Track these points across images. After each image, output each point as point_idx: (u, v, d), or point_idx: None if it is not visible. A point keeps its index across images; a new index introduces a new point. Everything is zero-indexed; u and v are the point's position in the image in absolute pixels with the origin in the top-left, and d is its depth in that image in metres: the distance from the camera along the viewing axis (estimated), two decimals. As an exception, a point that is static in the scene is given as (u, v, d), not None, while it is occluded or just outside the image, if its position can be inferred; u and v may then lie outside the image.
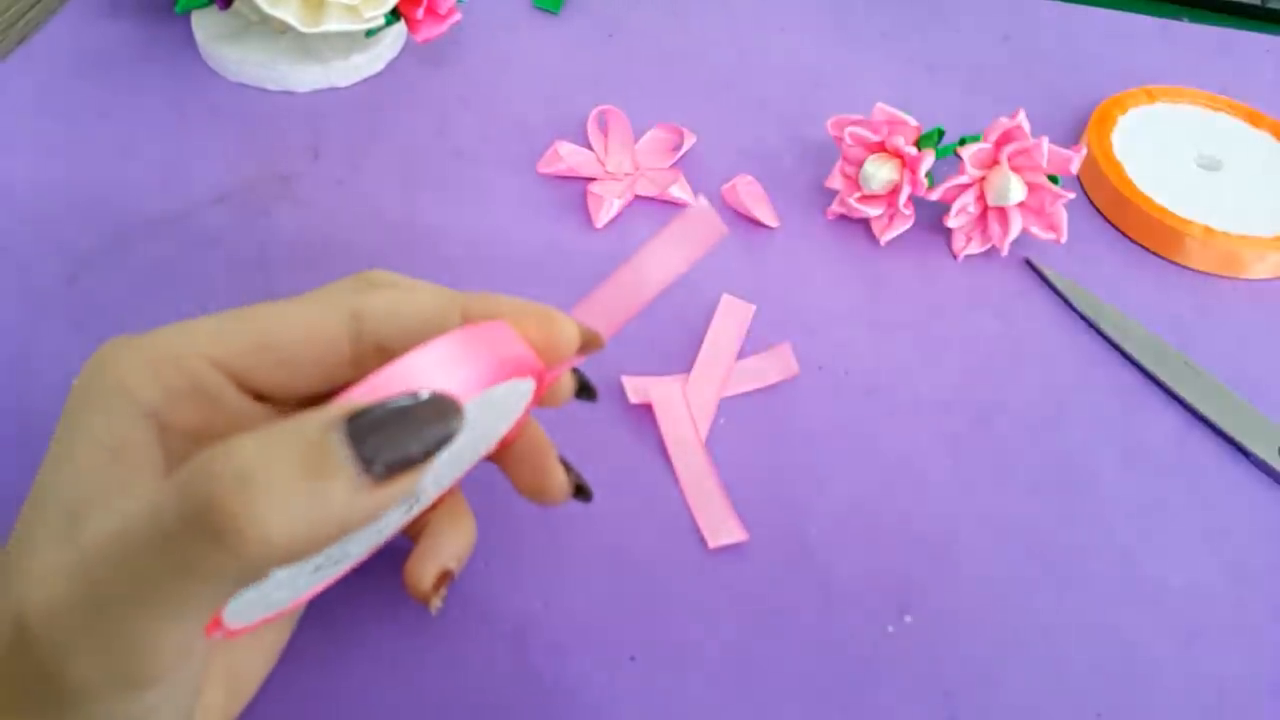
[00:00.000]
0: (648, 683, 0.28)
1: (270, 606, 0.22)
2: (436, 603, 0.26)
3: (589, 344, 0.24)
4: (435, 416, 0.18)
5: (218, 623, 0.20)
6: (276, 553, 0.17)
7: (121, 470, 0.20)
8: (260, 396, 0.22)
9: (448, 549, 0.26)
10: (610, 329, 0.24)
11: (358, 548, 0.23)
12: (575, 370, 0.26)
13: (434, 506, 0.27)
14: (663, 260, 0.25)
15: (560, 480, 0.27)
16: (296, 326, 0.22)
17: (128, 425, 0.21)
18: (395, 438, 0.17)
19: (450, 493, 0.27)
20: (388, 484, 0.18)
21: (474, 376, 0.19)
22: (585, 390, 0.27)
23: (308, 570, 0.21)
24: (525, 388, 0.22)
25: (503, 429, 0.24)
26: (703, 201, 0.25)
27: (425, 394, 0.18)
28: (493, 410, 0.22)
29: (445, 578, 0.26)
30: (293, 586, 0.22)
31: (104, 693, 0.18)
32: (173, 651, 0.18)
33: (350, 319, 0.22)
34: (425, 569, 0.26)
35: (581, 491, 0.27)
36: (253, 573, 0.17)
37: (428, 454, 0.18)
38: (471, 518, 0.27)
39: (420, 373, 0.19)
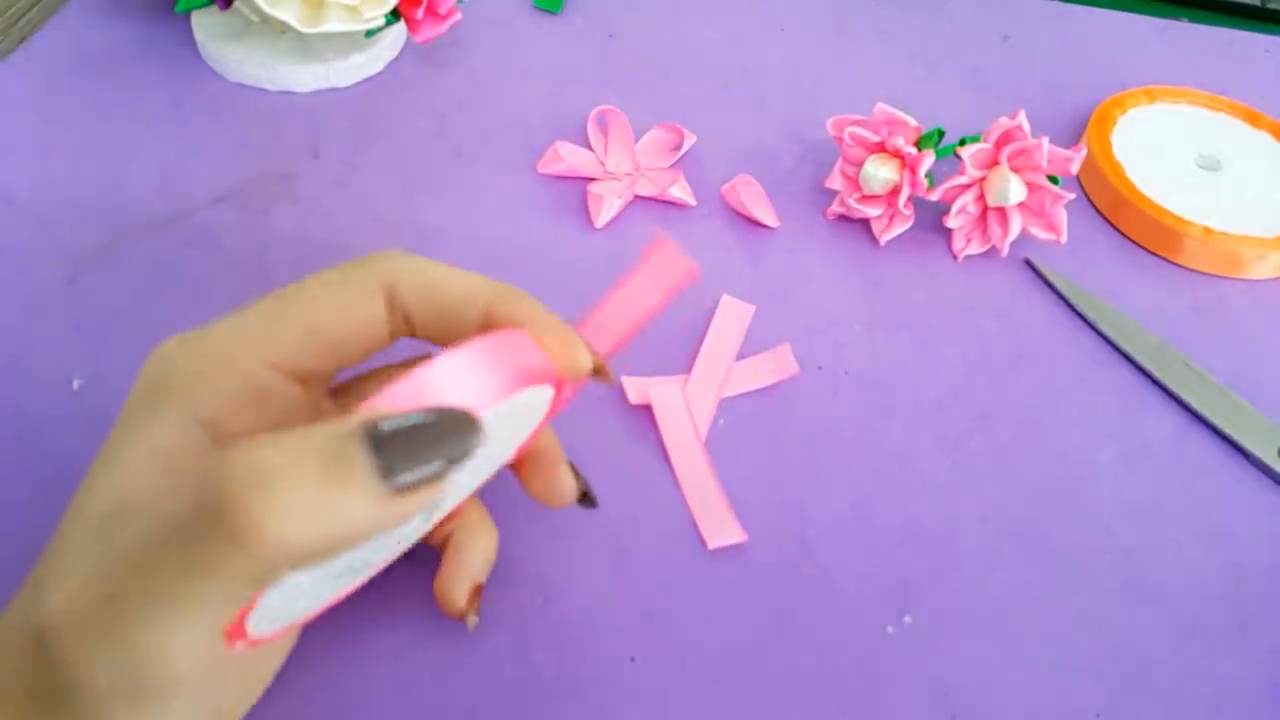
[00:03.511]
0: (648, 683, 0.28)
1: (292, 616, 0.22)
2: (473, 618, 0.27)
3: (600, 371, 0.24)
4: (455, 432, 0.18)
5: (242, 633, 0.20)
6: (292, 555, 0.17)
7: (170, 479, 0.20)
8: (304, 379, 0.23)
9: (475, 562, 0.27)
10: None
11: (378, 556, 0.23)
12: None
13: (452, 516, 0.27)
14: (637, 301, 0.25)
15: (569, 486, 0.27)
16: (336, 310, 0.22)
17: (180, 431, 0.21)
18: (416, 451, 0.18)
19: (471, 504, 0.27)
20: (407, 495, 0.18)
21: (493, 386, 0.20)
22: (586, 498, 0.28)
23: (330, 578, 0.22)
24: (543, 396, 0.22)
25: (522, 437, 0.24)
26: (669, 243, 0.25)
27: (446, 408, 0.18)
28: (511, 418, 0.22)
29: (477, 591, 0.27)
30: (315, 595, 0.22)
31: (119, 701, 0.18)
32: (187, 658, 0.18)
33: (385, 293, 0.22)
34: (457, 587, 0.26)
35: (587, 498, 0.28)
36: (266, 574, 0.17)
37: (447, 468, 0.18)
38: (493, 528, 0.28)
39: (441, 382, 0.19)
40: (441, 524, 0.27)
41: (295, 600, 0.21)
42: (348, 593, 0.24)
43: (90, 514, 0.20)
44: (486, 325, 0.23)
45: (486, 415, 0.19)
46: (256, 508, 0.16)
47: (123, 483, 0.20)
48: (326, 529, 0.17)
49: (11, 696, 0.19)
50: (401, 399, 0.18)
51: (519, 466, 0.27)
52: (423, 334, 0.24)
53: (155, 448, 0.21)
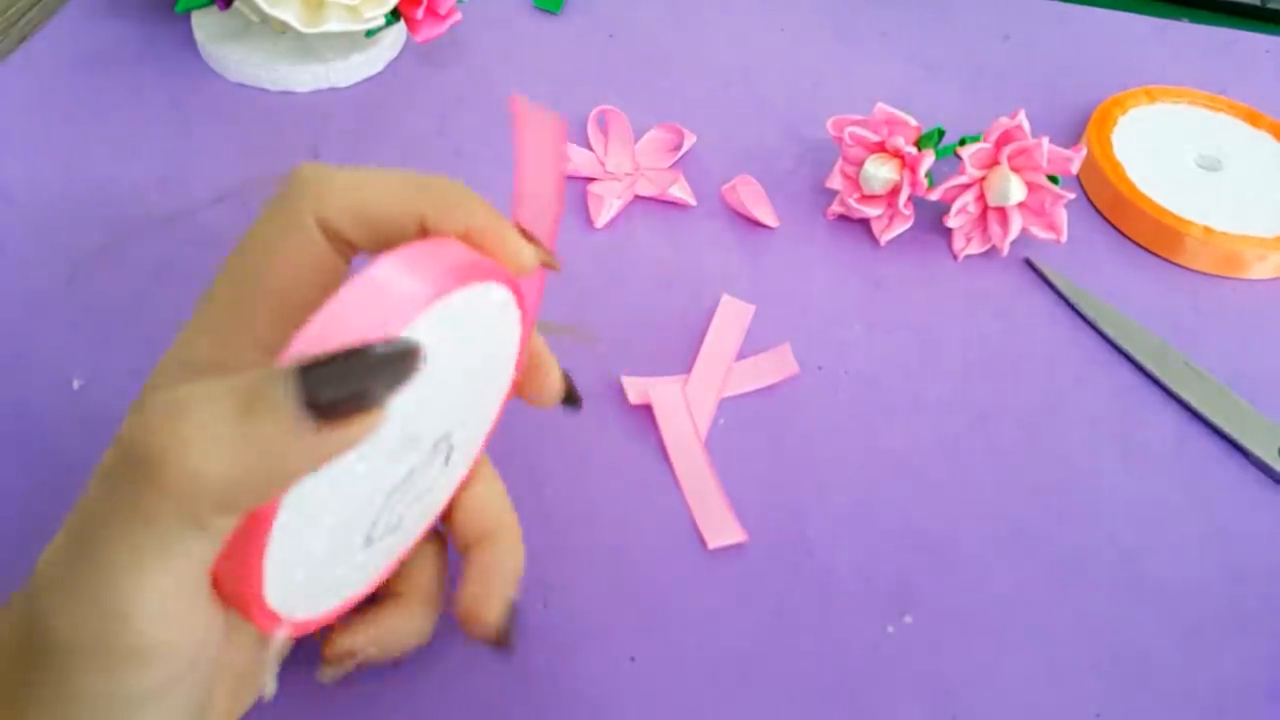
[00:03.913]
0: (648, 683, 0.28)
1: (336, 590, 0.22)
2: (331, 674, 0.24)
3: (546, 264, 0.23)
4: (390, 354, 0.17)
5: (272, 615, 0.19)
6: (213, 490, 0.16)
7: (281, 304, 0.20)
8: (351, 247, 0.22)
9: (378, 636, 0.24)
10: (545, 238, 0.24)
11: (409, 511, 0.22)
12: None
13: (472, 523, 0.26)
14: (541, 166, 0.24)
15: (554, 381, 0.25)
16: (288, 268, 0.22)
17: (320, 253, 0.21)
18: (342, 375, 0.17)
19: (430, 585, 0.26)
20: (336, 425, 0.17)
21: (423, 290, 0.19)
22: (571, 398, 0.26)
23: (357, 544, 0.21)
24: (499, 297, 0.21)
25: (507, 351, 0.23)
26: (520, 99, 0.24)
27: (383, 343, 0.17)
28: (466, 326, 0.21)
29: (352, 655, 0.24)
30: (349, 563, 0.21)
31: (89, 660, 0.18)
32: (150, 618, 0.17)
33: (320, 230, 0.22)
34: (344, 639, 0.24)
35: (571, 399, 0.26)
36: (191, 513, 0.17)
37: (378, 392, 0.17)
38: (429, 622, 0.25)
39: (365, 298, 0.18)
40: (397, 579, 0.25)
41: (324, 572, 0.20)
42: (395, 561, 0.24)
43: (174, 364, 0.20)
44: (423, 236, 0.22)
45: (420, 321, 0.18)
46: (167, 441, 0.16)
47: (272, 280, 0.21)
48: (245, 461, 0.16)
49: (6, 649, 0.19)
50: (327, 326, 0.18)
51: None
52: (369, 251, 0.22)
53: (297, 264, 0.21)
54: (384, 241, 0.22)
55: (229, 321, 0.22)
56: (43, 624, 0.18)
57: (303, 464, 0.17)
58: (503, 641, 0.24)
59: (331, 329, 0.18)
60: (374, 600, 0.25)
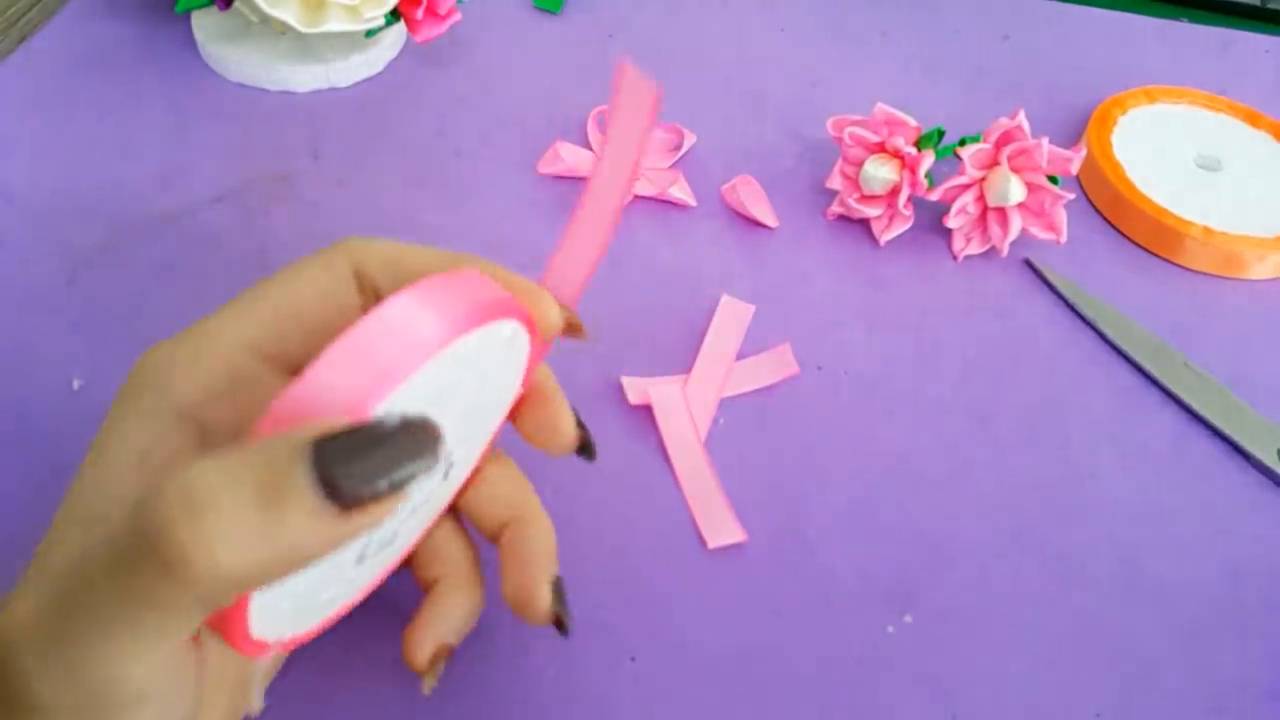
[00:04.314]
0: (648, 683, 0.28)
1: (323, 610, 0.22)
2: (430, 681, 0.24)
3: (572, 328, 0.23)
4: (411, 443, 0.17)
5: (259, 644, 0.19)
6: (232, 581, 0.16)
7: (147, 474, 0.19)
8: (284, 364, 0.22)
9: (451, 620, 0.25)
10: (599, 244, 0.24)
11: (405, 527, 0.22)
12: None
13: (442, 559, 0.26)
14: (623, 153, 0.24)
15: (566, 428, 0.25)
16: (308, 290, 0.22)
17: (161, 427, 0.20)
18: (365, 466, 0.16)
19: (465, 554, 0.26)
20: (356, 512, 0.16)
21: (444, 327, 0.18)
22: (586, 448, 0.26)
23: (348, 564, 0.21)
24: (510, 330, 0.21)
25: (511, 384, 0.23)
26: (626, 68, 0.24)
27: (400, 416, 0.17)
28: (481, 359, 0.20)
29: (443, 654, 0.25)
30: (338, 581, 0.21)
31: (75, 717, 0.17)
32: (145, 677, 0.17)
33: (354, 276, 0.22)
34: (423, 643, 0.24)
35: (586, 449, 0.26)
36: (211, 600, 0.16)
37: (400, 485, 0.17)
38: (478, 587, 0.26)
39: (388, 327, 0.18)
40: (429, 566, 0.25)
41: (315, 594, 0.20)
42: (385, 572, 0.24)
43: (72, 520, 0.19)
44: None
45: (445, 350, 0.18)
46: (186, 536, 0.15)
47: (104, 487, 0.19)
48: (266, 554, 0.16)
49: None
50: (346, 355, 0.17)
51: (514, 408, 0.25)
52: None
53: (134, 446, 0.20)
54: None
55: (232, 313, 0.22)
56: (22, 682, 0.17)
57: (324, 549, 0.17)
58: (559, 623, 0.24)
59: (344, 363, 0.17)
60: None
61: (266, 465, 0.16)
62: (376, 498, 0.16)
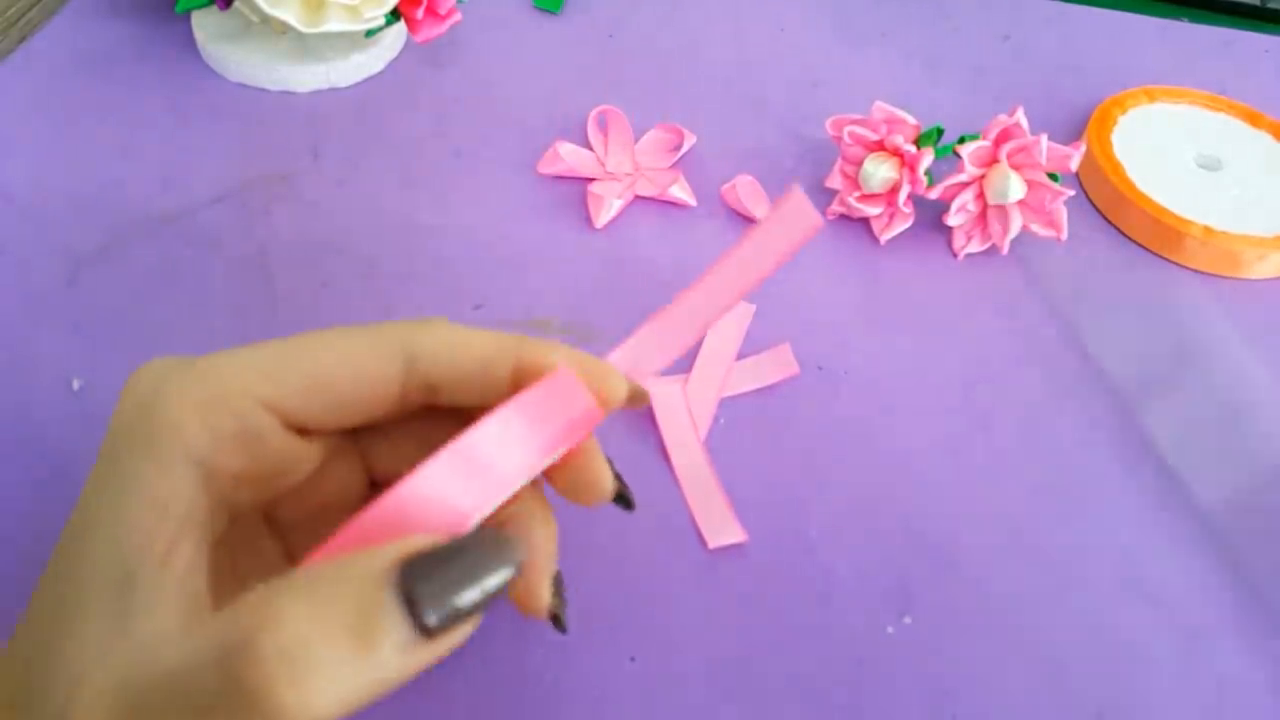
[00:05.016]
0: (648, 683, 0.28)
1: None
2: (563, 618, 0.24)
3: (636, 398, 0.23)
4: (494, 558, 0.17)
5: None
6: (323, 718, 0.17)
7: (170, 527, 0.19)
8: (302, 430, 0.22)
9: (545, 551, 0.23)
10: (690, 337, 0.23)
11: None
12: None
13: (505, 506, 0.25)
14: (755, 261, 0.23)
15: (603, 480, 0.24)
16: (350, 366, 0.21)
17: (178, 476, 0.20)
18: (450, 588, 0.17)
19: (529, 491, 0.25)
20: (440, 637, 0.17)
21: (537, 449, 0.19)
22: (623, 499, 0.25)
23: None
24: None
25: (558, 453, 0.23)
26: (797, 190, 0.23)
27: (483, 532, 0.17)
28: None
29: (558, 581, 0.24)
30: None
31: None
32: None
33: (404, 359, 0.21)
34: (537, 586, 0.23)
35: (623, 499, 0.25)
36: None
37: (484, 602, 0.17)
38: (548, 507, 0.24)
39: (486, 449, 0.18)
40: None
41: None
42: None
43: (91, 572, 0.19)
44: (517, 376, 0.22)
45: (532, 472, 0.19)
46: (291, 700, 0.16)
47: (124, 538, 0.19)
48: (360, 694, 0.17)
49: None
50: (440, 476, 0.18)
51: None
52: (449, 399, 0.22)
53: (153, 496, 0.19)
54: (472, 384, 0.22)
55: (261, 365, 0.21)
56: None
57: (413, 675, 0.17)
58: (556, 619, 0.24)
59: (444, 479, 0.18)
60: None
61: (355, 600, 0.17)
62: (461, 618, 0.17)
